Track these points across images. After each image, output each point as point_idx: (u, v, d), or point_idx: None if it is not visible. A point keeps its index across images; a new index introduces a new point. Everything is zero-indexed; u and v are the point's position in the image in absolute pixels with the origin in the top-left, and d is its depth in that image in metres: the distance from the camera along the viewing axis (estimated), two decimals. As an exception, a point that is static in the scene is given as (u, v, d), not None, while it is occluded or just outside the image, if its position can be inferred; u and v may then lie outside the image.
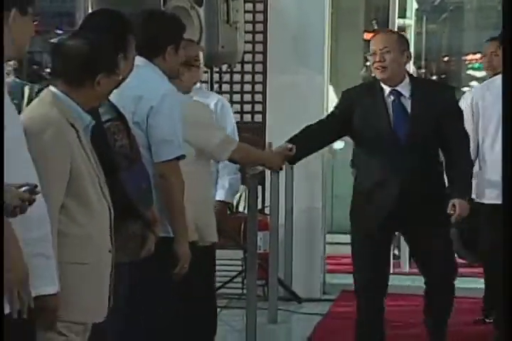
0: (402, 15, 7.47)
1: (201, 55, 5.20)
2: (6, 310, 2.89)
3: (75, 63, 3.26)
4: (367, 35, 9.81)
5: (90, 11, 7.46)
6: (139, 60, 3.90)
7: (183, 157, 3.87)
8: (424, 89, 4.89)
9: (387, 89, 4.78)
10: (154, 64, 3.97)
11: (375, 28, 9.50)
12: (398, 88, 4.78)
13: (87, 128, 3.31)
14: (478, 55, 8.70)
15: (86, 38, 3.40)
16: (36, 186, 2.81)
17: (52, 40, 3.53)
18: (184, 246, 3.90)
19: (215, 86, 6.46)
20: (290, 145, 4.75)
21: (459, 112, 4.96)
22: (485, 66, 6.26)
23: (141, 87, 3.88)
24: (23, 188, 2.76)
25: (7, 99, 3.03)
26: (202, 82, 5.48)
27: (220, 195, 5.16)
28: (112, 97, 3.63)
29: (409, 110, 4.79)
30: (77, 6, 7.83)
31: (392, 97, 4.77)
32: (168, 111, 3.86)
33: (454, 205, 4.68)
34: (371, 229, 4.79)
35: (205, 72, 5.72)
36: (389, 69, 4.71)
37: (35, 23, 3.16)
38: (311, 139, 4.94)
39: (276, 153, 4.73)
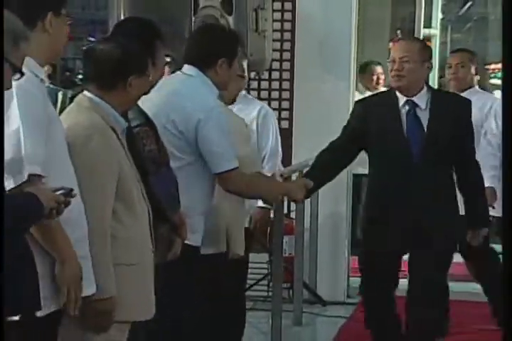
0: (428, 25, 7.46)
1: (245, 64, 5.21)
2: (50, 309, 2.93)
3: (107, 66, 3.27)
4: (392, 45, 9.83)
5: (122, 18, 7.50)
6: (192, 70, 3.93)
7: (235, 169, 3.86)
8: (442, 102, 4.55)
9: (402, 99, 4.48)
10: (206, 75, 3.93)
11: (398, 36, 9.50)
12: (414, 99, 4.47)
13: (123, 132, 3.32)
14: (492, 66, 8.63)
15: (116, 43, 3.42)
16: (72, 190, 2.82)
17: (84, 47, 3.54)
18: None
19: (244, 92, 6.46)
20: (308, 182, 4.38)
21: (472, 128, 4.64)
22: (450, 78, 5.80)
23: (188, 96, 3.88)
24: (59, 191, 2.78)
25: (50, 106, 3.04)
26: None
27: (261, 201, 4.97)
28: (149, 100, 3.63)
29: (424, 123, 4.47)
30: (110, 14, 7.84)
31: (407, 108, 4.47)
32: (217, 125, 3.82)
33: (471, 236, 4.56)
34: (381, 253, 4.52)
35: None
36: (405, 78, 4.43)
37: (68, 23, 3.17)
38: (327, 170, 4.64)
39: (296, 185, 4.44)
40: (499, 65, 9.44)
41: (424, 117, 4.45)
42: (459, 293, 5.83)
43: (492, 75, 10.72)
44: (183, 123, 3.81)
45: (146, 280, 3.31)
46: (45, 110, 2.95)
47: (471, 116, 4.62)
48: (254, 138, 5.12)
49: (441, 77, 9.45)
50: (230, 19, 5.99)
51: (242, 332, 4.91)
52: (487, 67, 10.89)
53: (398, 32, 9.33)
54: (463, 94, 5.35)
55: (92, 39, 3.35)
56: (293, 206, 6.06)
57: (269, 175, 4.95)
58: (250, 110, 5.17)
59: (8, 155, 2.77)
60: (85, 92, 3.31)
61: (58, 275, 2.92)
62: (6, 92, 2.71)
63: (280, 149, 5.39)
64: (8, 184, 2.76)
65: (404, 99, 4.45)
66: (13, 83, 2.74)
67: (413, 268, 4.55)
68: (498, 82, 10.03)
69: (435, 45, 7.56)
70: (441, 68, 8.56)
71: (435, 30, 7.65)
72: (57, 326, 3.01)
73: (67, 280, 2.91)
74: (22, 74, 2.71)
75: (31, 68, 2.90)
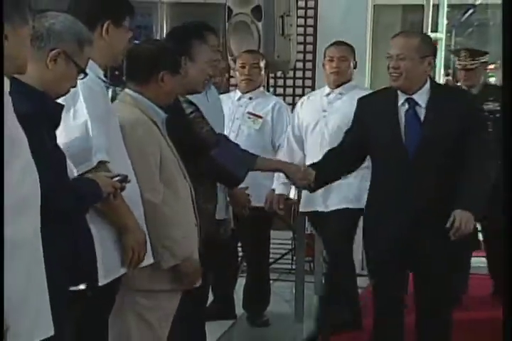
0: (435, 29, 7.40)
1: (262, 63, 5.21)
2: (121, 272, 2.99)
3: (139, 63, 3.28)
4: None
5: (165, 24, 7.51)
6: None
7: None
8: (442, 97, 3.77)
9: (402, 97, 3.76)
10: None
11: (398, 32, 9.43)
12: (414, 96, 3.74)
13: (163, 122, 3.34)
14: (492, 66, 8.55)
15: (152, 43, 3.44)
16: (127, 177, 2.86)
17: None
18: None
19: (271, 89, 6.46)
20: (310, 170, 3.86)
21: (480, 121, 3.94)
22: (331, 71, 4.95)
23: None
24: (116, 178, 2.80)
25: (109, 102, 3.07)
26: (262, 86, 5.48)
27: (279, 190, 4.93)
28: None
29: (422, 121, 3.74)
30: (154, 20, 7.89)
31: (406, 106, 3.75)
32: None
33: (454, 218, 3.57)
34: (382, 261, 3.84)
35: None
36: (403, 77, 3.71)
37: (130, 35, 3.17)
38: (332, 169, 3.98)
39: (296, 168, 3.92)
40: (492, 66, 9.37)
41: (422, 115, 3.74)
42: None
43: (490, 74, 10.63)
44: None
45: (193, 252, 3.31)
46: (106, 105, 2.99)
47: (475, 110, 3.97)
48: (269, 129, 5.13)
49: (447, 74, 9.40)
50: (260, 24, 5.98)
51: (268, 302, 5.00)
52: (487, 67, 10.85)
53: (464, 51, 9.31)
54: (341, 89, 4.91)
55: (137, 42, 3.40)
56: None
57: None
58: (267, 104, 5.17)
59: (77, 144, 2.82)
60: (126, 90, 3.33)
61: (124, 242, 2.98)
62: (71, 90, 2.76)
63: None
64: (76, 171, 2.81)
65: (405, 96, 3.75)
66: (78, 82, 2.77)
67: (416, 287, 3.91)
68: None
69: (441, 48, 7.54)
70: (446, 68, 8.52)
71: (441, 34, 7.60)
72: (115, 293, 3.05)
73: (133, 245, 2.98)
74: (85, 74, 2.73)
75: (92, 69, 2.93)
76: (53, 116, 2.66)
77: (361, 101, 3.97)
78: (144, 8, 8.35)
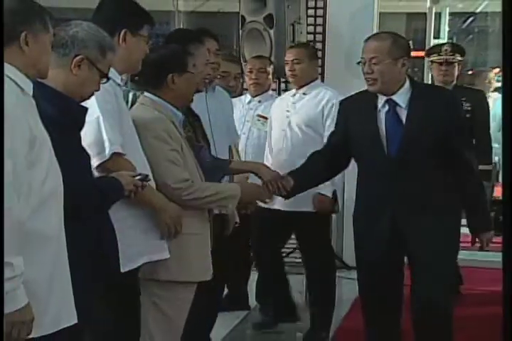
0: (437, 36, 7.40)
1: (271, 67, 5.22)
2: (138, 263, 3.04)
3: (149, 68, 3.29)
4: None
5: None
6: None
7: None
8: (423, 96, 3.55)
9: (381, 99, 3.56)
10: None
11: (411, 47, 9.41)
12: (394, 97, 3.53)
13: (181, 123, 3.35)
14: (497, 69, 8.57)
15: (161, 48, 3.46)
16: (147, 175, 2.89)
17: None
18: None
19: (282, 93, 6.46)
20: (287, 177, 3.63)
21: (460, 121, 3.63)
22: (288, 75, 4.85)
23: None
24: (137, 177, 2.84)
25: (121, 101, 3.10)
26: (272, 90, 5.49)
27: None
28: None
29: (403, 122, 3.53)
30: (172, 29, 7.90)
31: (387, 107, 3.54)
32: None
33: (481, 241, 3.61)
34: (372, 264, 3.64)
35: (273, 82, 5.74)
36: (378, 82, 3.50)
37: (148, 43, 3.18)
38: (315, 173, 3.78)
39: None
40: (496, 70, 9.36)
41: (403, 115, 3.53)
42: (469, 261, 5.77)
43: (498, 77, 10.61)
44: None
45: (207, 246, 3.34)
46: (117, 104, 3.03)
47: (458, 112, 3.66)
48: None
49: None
50: (271, 32, 5.99)
51: None
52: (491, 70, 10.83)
53: (410, 42, 9.27)
54: (305, 89, 4.77)
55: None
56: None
57: None
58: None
59: (90, 138, 2.86)
60: (145, 93, 3.36)
61: (158, 219, 3.10)
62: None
63: None
64: (92, 162, 2.85)
65: (384, 98, 3.55)
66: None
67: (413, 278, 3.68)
68: (496, 83, 9.94)
69: (443, 53, 7.56)
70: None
71: (443, 41, 7.61)
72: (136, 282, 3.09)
73: (167, 221, 3.11)
74: (108, 79, 2.76)
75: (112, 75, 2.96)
76: (78, 118, 2.69)
77: (343, 103, 3.77)
78: (162, 17, 8.40)
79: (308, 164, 3.81)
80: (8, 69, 2.32)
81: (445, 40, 7.67)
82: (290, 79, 4.81)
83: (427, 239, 3.53)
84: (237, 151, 4.57)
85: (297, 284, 5.67)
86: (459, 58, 5.53)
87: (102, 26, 2.86)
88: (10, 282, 2.19)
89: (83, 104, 2.72)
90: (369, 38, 3.59)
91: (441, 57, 5.44)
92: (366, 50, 3.54)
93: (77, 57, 2.69)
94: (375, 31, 6.69)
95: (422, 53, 6.55)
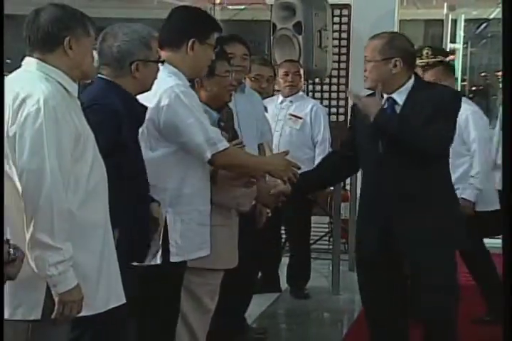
0: (453, 40, 7.31)
1: (301, 70, 5.19)
2: (180, 259, 2.98)
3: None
4: (424, 57, 9.68)
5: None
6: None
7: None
8: (421, 94, 3.26)
9: (385, 96, 3.32)
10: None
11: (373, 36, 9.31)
12: (394, 95, 3.28)
13: (215, 122, 3.32)
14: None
15: None
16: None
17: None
18: None
19: (310, 94, 6.44)
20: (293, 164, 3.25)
21: (445, 113, 3.23)
22: (287, 85, 5.05)
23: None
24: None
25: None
26: (302, 91, 5.47)
27: None
28: None
29: None
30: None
31: (386, 105, 3.29)
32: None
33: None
34: (367, 263, 3.35)
35: (304, 83, 5.72)
36: (369, 79, 3.27)
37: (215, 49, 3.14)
38: (325, 173, 3.54)
39: (281, 157, 3.24)
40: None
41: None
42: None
43: (500, 80, 10.48)
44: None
45: (235, 237, 3.31)
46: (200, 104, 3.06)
47: (448, 103, 3.27)
48: (308, 128, 5.11)
49: (463, 80, 9.27)
50: (300, 38, 5.97)
51: (309, 277, 4.94)
52: (497, 74, 10.69)
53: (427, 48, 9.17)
54: (291, 98, 4.99)
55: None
56: (348, 180, 6.02)
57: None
58: (306, 106, 5.15)
59: (199, 138, 2.89)
60: None
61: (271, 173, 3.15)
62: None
63: (329, 136, 5.26)
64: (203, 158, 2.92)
65: (386, 96, 3.31)
66: (176, 91, 2.86)
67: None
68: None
69: (459, 57, 7.46)
70: (463, 74, 8.42)
71: (459, 45, 7.52)
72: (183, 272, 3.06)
73: (273, 171, 3.13)
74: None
75: (181, 78, 2.98)
76: (140, 116, 2.69)
77: (354, 106, 3.48)
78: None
79: (321, 164, 3.71)
80: (55, 73, 2.33)
81: (460, 45, 7.57)
82: (287, 89, 4.98)
83: (419, 239, 3.20)
84: (271, 149, 4.54)
85: (323, 269, 5.66)
86: (440, 59, 5.32)
87: (170, 36, 2.85)
88: (60, 265, 2.21)
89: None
90: (371, 38, 3.36)
91: (423, 60, 5.24)
92: (365, 50, 3.35)
93: (133, 64, 2.69)
94: (395, 37, 6.62)
95: (440, 58, 6.47)
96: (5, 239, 2.08)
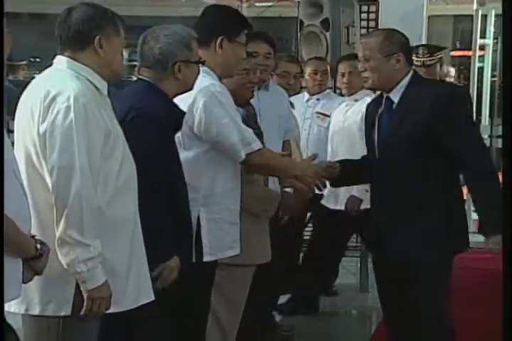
0: (483, 36, 7.24)
1: (328, 68, 5.17)
2: (229, 254, 3.02)
3: None
4: (453, 53, 9.59)
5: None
6: None
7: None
8: (416, 92, 3.03)
9: (384, 96, 3.14)
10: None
11: (457, 46, 9.23)
12: (390, 94, 3.08)
13: (242, 119, 3.32)
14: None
15: None
16: None
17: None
18: None
19: (337, 91, 6.41)
20: (334, 164, 3.27)
21: (455, 121, 2.98)
22: (344, 86, 4.79)
23: None
24: None
25: None
26: (329, 88, 5.44)
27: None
28: None
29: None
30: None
31: (384, 105, 3.11)
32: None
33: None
34: (376, 266, 3.27)
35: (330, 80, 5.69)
36: (371, 78, 3.08)
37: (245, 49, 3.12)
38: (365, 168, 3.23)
39: (311, 164, 3.21)
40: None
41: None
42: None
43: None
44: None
45: (266, 230, 3.31)
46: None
47: (452, 111, 2.99)
48: None
49: (493, 76, 9.15)
50: (327, 34, 5.96)
51: (337, 274, 4.92)
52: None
53: (457, 42, 9.09)
54: (318, 96, 4.88)
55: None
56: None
57: None
58: (332, 104, 5.12)
59: (234, 137, 2.90)
60: None
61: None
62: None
63: None
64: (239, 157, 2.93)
65: (385, 95, 3.13)
66: (212, 90, 2.87)
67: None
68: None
69: (489, 52, 7.38)
70: (494, 69, 8.32)
71: (489, 40, 7.43)
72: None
73: (302, 171, 3.10)
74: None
75: (215, 78, 2.99)
76: (178, 120, 2.72)
77: (367, 106, 3.33)
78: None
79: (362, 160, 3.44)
80: (85, 71, 2.35)
81: (490, 40, 7.48)
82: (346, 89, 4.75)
83: (408, 243, 3.02)
84: (299, 146, 4.53)
85: (351, 266, 5.65)
86: (439, 55, 5.15)
87: (200, 34, 2.86)
88: (90, 262, 2.23)
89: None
90: (362, 36, 3.25)
91: (419, 59, 5.04)
92: (360, 48, 3.17)
93: (176, 65, 2.71)
94: (424, 33, 6.57)
95: (468, 53, 6.42)
96: (31, 234, 2.11)
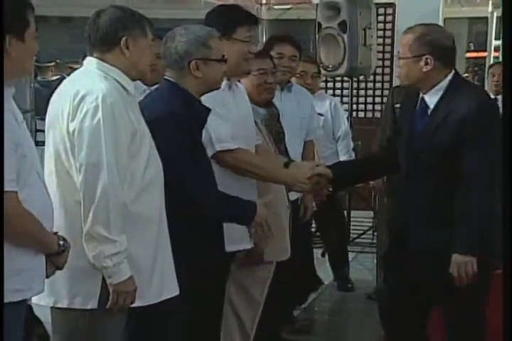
0: (498, 37, 7.19)
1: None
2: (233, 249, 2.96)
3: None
4: (468, 54, 9.53)
5: (265, 38, 7.53)
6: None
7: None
8: (454, 96, 2.80)
9: (421, 96, 2.88)
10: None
11: (471, 48, 9.15)
12: (426, 96, 2.85)
13: (263, 119, 3.32)
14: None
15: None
16: None
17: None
18: None
19: (354, 91, 6.40)
20: (325, 170, 3.06)
21: (479, 133, 2.72)
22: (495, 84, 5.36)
23: None
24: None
25: None
26: (345, 88, 5.43)
27: None
28: None
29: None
30: (255, 35, 7.89)
31: (420, 106, 2.89)
32: None
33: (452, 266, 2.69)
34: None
35: (346, 81, 5.68)
36: (402, 76, 2.90)
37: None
38: (360, 170, 3.13)
39: (302, 170, 3.08)
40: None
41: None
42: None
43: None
44: None
45: (282, 230, 3.28)
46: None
47: (481, 121, 2.74)
48: (329, 123, 5.05)
49: None
50: (345, 36, 5.93)
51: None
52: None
53: (471, 44, 9.02)
54: None
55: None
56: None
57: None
58: (324, 103, 5.10)
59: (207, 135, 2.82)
60: None
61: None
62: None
63: (349, 130, 5.22)
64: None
65: (421, 95, 2.88)
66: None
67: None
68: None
69: (503, 53, 7.35)
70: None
71: (504, 42, 7.40)
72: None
73: (292, 177, 3.05)
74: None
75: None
76: (202, 118, 2.70)
77: (392, 91, 3.17)
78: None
79: (358, 160, 3.35)
80: (113, 72, 2.37)
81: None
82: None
83: (433, 256, 2.77)
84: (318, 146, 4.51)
85: (368, 262, 5.64)
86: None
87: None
88: (115, 257, 2.25)
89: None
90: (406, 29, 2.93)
91: None
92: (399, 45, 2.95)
93: (192, 62, 2.68)
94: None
95: (483, 54, 6.39)
96: (53, 231, 2.13)
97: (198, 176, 2.62)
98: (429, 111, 2.84)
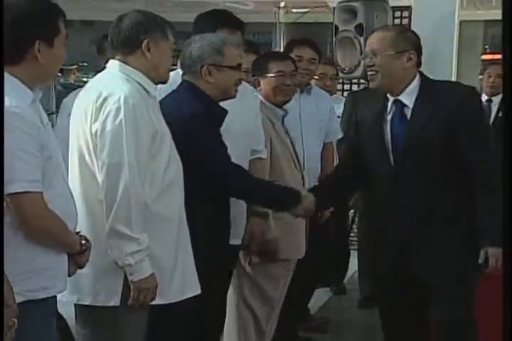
0: (513, 40, 7.14)
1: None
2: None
3: None
4: (484, 56, 9.47)
5: (283, 41, 7.54)
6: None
7: None
8: (430, 94, 2.71)
9: (390, 99, 2.77)
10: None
11: (487, 51, 9.09)
12: (401, 97, 2.73)
13: (281, 119, 3.32)
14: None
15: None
16: None
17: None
18: None
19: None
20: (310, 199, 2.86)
21: (477, 122, 2.71)
22: (488, 85, 5.27)
23: None
24: None
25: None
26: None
27: None
28: None
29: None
30: (273, 38, 7.94)
31: (394, 108, 2.75)
32: None
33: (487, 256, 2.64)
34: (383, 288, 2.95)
35: (363, 83, 5.64)
36: (379, 76, 2.71)
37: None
38: (336, 189, 2.97)
39: None
40: None
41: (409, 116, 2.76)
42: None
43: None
44: None
45: (298, 229, 3.29)
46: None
47: (472, 108, 2.72)
48: (325, 126, 4.98)
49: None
50: (362, 39, 5.89)
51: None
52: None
53: (486, 46, 8.96)
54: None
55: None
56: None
57: None
58: (339, 106, 5.02)
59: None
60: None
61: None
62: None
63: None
64: None
65: (392, 99, 2.76)
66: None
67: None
68: None
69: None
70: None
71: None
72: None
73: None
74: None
75: None
76: (220, 118, 2.72)
77: (349, 97, 2.94)
78: (265, 28, 8.43)
79: (330, 177, 3.17)
80: (135, 74, 2.39)
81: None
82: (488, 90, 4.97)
83: (432, 255, 2.73)
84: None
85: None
86: None
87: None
88: (137, 255, 2.26)
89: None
90: (372, 32, 2.84)
91: None
92: (368, 44, 2.79)
93: (204, 67, 2.69)
94: (455, 38, 6.50)
95: (498, 56, 6.35)
96: (76, 231, 2.15)
97: (237, 167, 2.66)
98: (408, 113, 2.73)
